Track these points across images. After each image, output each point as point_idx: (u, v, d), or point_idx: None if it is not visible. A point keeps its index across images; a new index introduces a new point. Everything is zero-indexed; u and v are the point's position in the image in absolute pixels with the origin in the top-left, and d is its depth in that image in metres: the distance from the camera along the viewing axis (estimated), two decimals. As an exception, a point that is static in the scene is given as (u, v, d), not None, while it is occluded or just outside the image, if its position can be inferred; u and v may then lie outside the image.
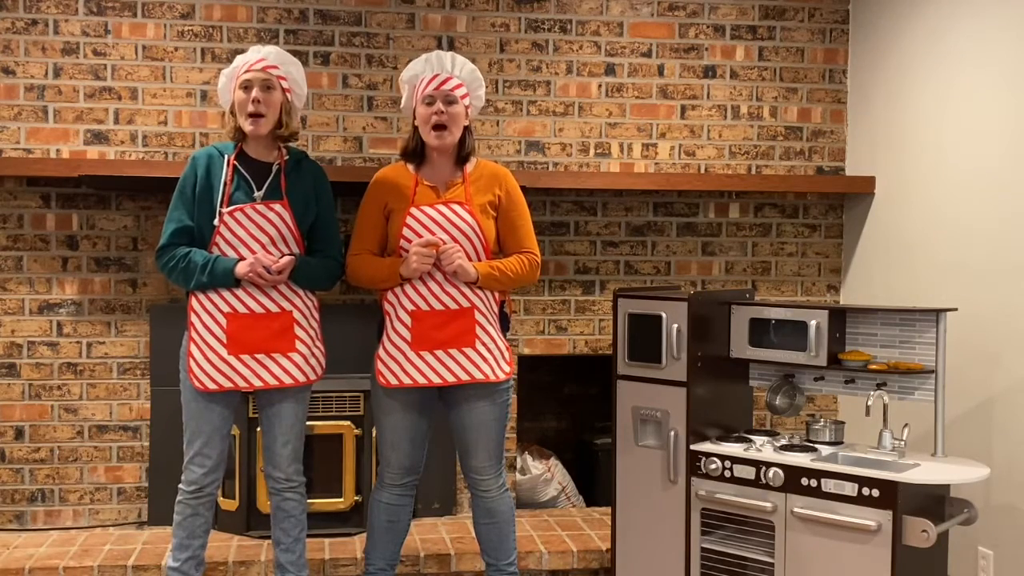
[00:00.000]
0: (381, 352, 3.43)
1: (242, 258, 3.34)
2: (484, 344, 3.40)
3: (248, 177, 3.39)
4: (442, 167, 3.48)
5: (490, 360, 3.41)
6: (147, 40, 4.38)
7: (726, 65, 4.75)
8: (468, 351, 3.38)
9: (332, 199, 3.55)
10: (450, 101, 3.41)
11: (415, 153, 3.50)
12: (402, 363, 3.39)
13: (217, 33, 4.41)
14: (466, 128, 3.48)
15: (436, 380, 3.38)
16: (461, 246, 3.39)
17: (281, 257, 3.35)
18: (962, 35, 3.99)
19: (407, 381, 3.39)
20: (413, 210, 3.41)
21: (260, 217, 3.36)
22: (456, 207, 3.42)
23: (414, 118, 3.49)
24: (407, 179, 3.47)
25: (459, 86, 3.44)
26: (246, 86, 3.35)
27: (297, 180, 3.45)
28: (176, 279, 3.39)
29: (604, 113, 4.68)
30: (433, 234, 3.39)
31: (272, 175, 3.42)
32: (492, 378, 3.41)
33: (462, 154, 3.48)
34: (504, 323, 3.53)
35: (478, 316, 3.40)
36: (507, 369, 3.46)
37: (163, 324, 4.35)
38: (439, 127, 3.40)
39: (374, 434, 3.70)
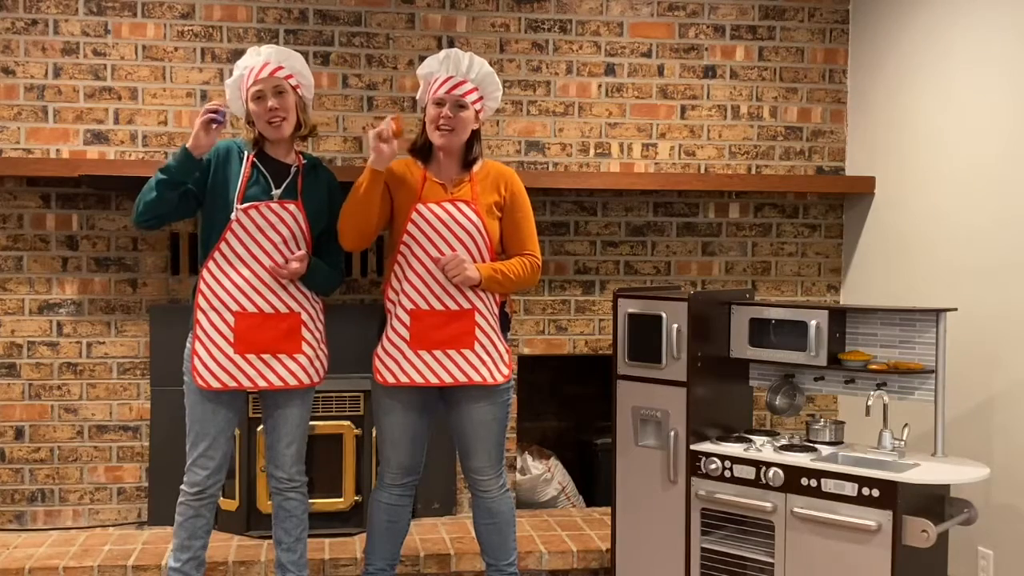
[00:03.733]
0: (380, 350, 3.42)
1: (251, 254, 3.34)
2: (483, 346, 3.40)
3: (267, 175, 3.39)
4: (448, 167, 3.47)
5: (488, 363, 3.41)
6: (147, 40, 4.38)
7: (726, 65, 4.75)
8: (466, 352, 3.38)
9: (340, 199, 3.53)
10: (460, 106, 3.39)
11: (422, 150, 3.49)
12: (400, 362, 3.39)
13: (217, 33, 4.41)
14: (474, 132, 3.46)
15: (433, 380, 3.38)
16: (465, 245, 3.38)
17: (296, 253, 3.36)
18: (962, 35, 3.99)
19: (404, 380, 3.39)
20: (419, 206, 3.40)
21: (274, 216, 3.36)
22: (462, 205, 3.41)
23: (424, 114, 3.48)
24: (415, 173, 3.46)
25: (472, 91, 3.41)
26: (259, 96, 3.34)
27: (313, 184, 3.45)
28: (148, 201, 3.27)
29: (604, 113, 4.68)
30: (437, 232, 3.38)
31: (291, 176, 3.42)
32: (490, 381, 3.41)
33: (468, 158, 3.47)
34: (504, 323, 3.52)
35: (478, 318, 3.40)
36: (505, 372, 3.45)
37: (163, 324, 4.35)
38: (444, 129, 3.39)
39: (374, 434, 3.70)
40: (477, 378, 3.39)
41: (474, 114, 3.44)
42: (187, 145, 3.27)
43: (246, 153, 3.41)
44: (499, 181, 3.49)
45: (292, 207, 3.38)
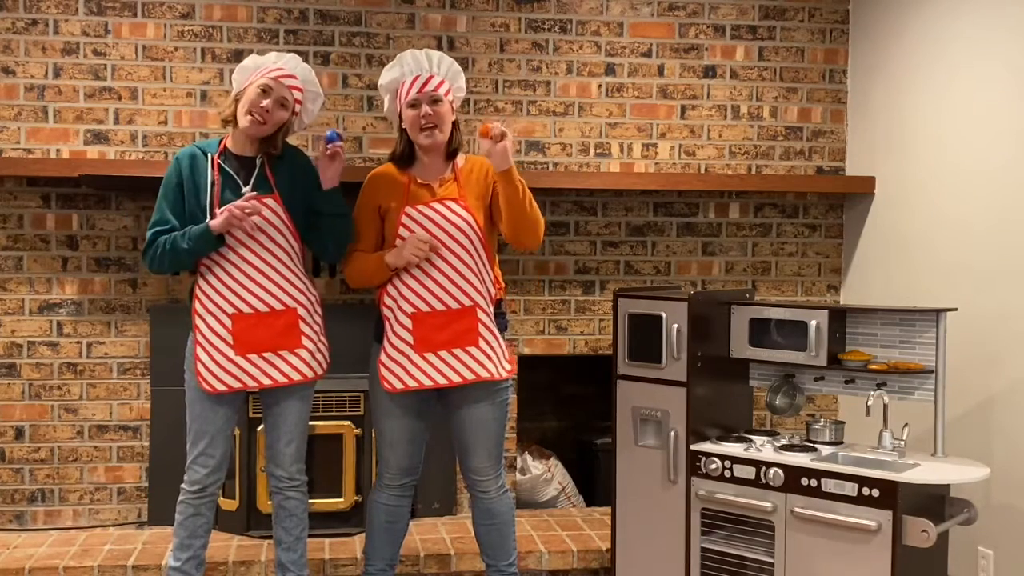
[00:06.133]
0: (383, 357, 3.41)
1: (241, 256, 3.33)
2: (486, 341, 3.40)
3: (233, 174, 3.38)
4: (433, 165, 3.47)
5: (493, 358, 3.40)
6: (147, 40, 4.38)
7: (726, 65, 4.75)
8: (471, 350, 3.37)
9: (317, 173, 3.48)
10: (435, 100, 3.38)
11: (404, 157, 3.48)
12: (406, 366, 3.37)
13: (217, 33, 4.41)
14: (453, 124, 3.47)
15: (442, 381, 3.37)
16: (458, 242, 3.38)
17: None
18: (962, 35, 3.99)
19: (412, 384, 3.38)
20: (408, 209, 3.40)
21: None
22: (451, 204, 3.41)
23: (400, 122, 3.46)
24: (400, 178, 3.46)
25: (441, 84, 3.42)
26: (265, 89, 3.33)
27: (282, 169, 3.42)
28: (168, 265, 3.36)
29: (604, 113, 4.68)
30: (429, 233, 3.38)
31: (257, 168, 3.40)
32: (496, 376, 3.40)
33: (451, 149, 3.47)
34: (501, 325, 3.52)
35: (480, 314, 3.39)
36: (508, 367, 3.45)
37: (163, 324, 4.35)
38: (428, 128, 3.38)
39: (374, 434, 3.70)
40: (485, 374, 3.38)
41: (449, 106, 3.43)
42: (213, 229, 3.27)
43: (210, 156, 3.39)
44: (483, 171, 3.47)
45: (269, 201, 3.36)
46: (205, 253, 3.33)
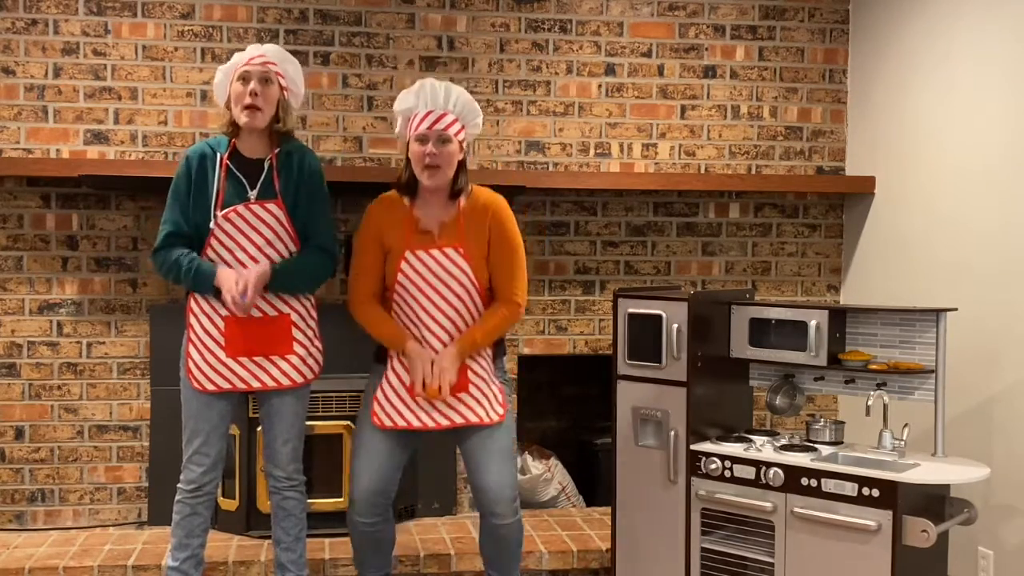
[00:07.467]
0: (379, 394, 3.39)
1: (237, 260, 3.33)
2: (477, 387, 3.38)
3: (241, 177, 3.37)
4: (435, 204, 3.39)
5: (484, 403, 3.38)
6: (147, 40, 4.38)
7: (726, 65, 4.75)
8: (461, 395, 3.36)
9: (323, 186, 3.47)
10: (444, 140, 3.29)
11: (408, 186, 3.40)
12: (398, 407, 3.37)
13: (217, 33, 4.42)
14: (460, 163, 3.37)
15: (431, 424, 3.36)
16: (455, 292, 3.34)
17: (250, 275, 3.30)
18: (962, 35, 3.99)
19: (402, 424, 3.36)
20: (408, 255, 3.34)
21: (254, 218, 3.33)
22: (451, 252, 3.34)
23: (407, 150, 3.38)
24: (402, 214, 3.38)
25: (453, 123, 3.33)
26: (244, 78, 3.32)
27: (289, 174, 3.40)
28: (172, 280, 3.42)
29: (604, 113, 4.68)
30: (427, 282, 3.33)
31: (265, 172, 3.39)
32: (486, 421, 3.37)
33: (455, 189, 3.37)
34: (499, 350, 3.50)
35: (470, 362, 3.38)
36: (500, 411, 3.40)
37: (163, 324, 4.35)
38: (431, 167, 3.30)
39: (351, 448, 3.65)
40: (474, 418, 3.36)
41: (458, 145, 3.34)
42: (217, 285, 3.30)
43: (219, 156, 3.37)
44: (486, 211, 3.39)
45: (272, 206, 3.35)
46: (201, 292, 3.37)
